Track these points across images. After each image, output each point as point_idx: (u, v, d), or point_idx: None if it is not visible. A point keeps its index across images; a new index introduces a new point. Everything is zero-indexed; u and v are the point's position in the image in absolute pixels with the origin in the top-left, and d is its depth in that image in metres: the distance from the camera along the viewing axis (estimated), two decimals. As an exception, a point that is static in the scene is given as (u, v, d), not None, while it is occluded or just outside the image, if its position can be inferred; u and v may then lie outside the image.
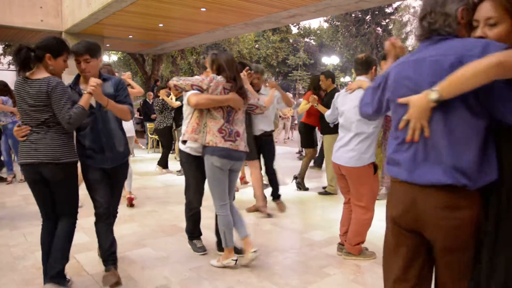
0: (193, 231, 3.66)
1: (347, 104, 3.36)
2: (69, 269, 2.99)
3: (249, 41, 24.40)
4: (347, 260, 3.41)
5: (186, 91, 3.15)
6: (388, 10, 33.72)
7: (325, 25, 37.45)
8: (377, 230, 3.76)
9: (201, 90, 3.07)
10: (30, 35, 12.48)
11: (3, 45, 22.71)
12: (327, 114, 3.77)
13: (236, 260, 3.20)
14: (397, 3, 32.98)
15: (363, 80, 3.32)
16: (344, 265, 3.33)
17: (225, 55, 3.18)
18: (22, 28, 11.15)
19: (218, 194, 3.17)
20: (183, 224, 3.76)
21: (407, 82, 1.58)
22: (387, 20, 34.38)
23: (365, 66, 3.36)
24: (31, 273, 3.14)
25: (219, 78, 3.10)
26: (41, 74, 2.62)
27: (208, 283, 2.99)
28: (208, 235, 3.80)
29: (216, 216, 3.28)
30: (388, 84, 1.70)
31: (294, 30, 36.57)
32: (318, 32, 38.16)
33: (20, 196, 5.61)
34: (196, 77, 3.16)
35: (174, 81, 3.13)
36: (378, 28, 34.37)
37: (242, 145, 3.20)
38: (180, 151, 3.46)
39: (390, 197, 1.71)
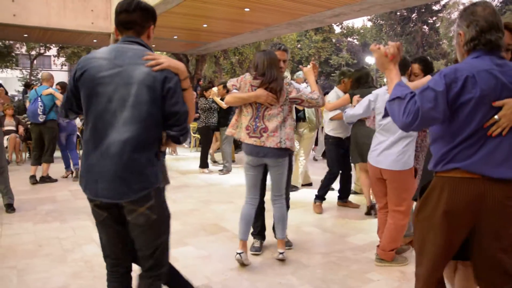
0: (253, 224, 3.58)
1: None
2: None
3: (291, 41, 24.31)
4: (392, 266, 3.29)
5: (231, 90, 3.35)
6: (436, 7, 32.49)
7: (369, 24, 36.62)
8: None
9: (238, 89, 3.32)
10: (81, 37, 13.07)
11: (57, 47, 23.88)
12: (357, 113, 3.57)
13: (283, 253, 3.34)
14: (445, 0, 31.78)
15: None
16: (388, 271, 3.22)
17: (259, 54, 3.32)
18: (74, 30, 11.69)
19: (246, 187, 3.38)
20: (224, 223, 3.78)
21: (505, 90, 1.65)
22: (434, 18, 33.15)
23: (402, 67, 3.21)
24: (79, 266, 3.25)
25: (247, 76, 3.30)
26: None
27: (249, 284, 2.98)
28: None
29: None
30: (476, 88, 1.63)
31: (337, 29, 36.01)
32: (362, 31, 37.34)
33: (69, 191, 5.87)
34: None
35: (227, 83, 3.48)
36: (425, 27, 33.20)
37: (271, 141, 3.14)
38: None
39: (441, 193, 1.73)
